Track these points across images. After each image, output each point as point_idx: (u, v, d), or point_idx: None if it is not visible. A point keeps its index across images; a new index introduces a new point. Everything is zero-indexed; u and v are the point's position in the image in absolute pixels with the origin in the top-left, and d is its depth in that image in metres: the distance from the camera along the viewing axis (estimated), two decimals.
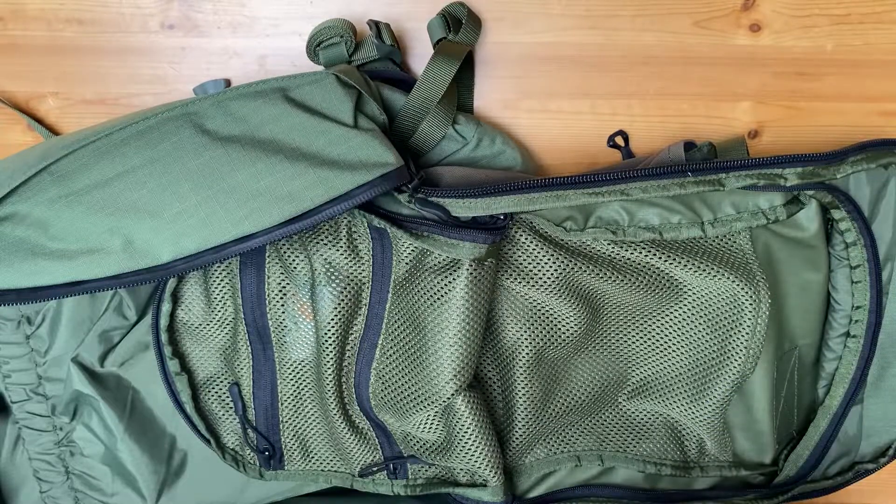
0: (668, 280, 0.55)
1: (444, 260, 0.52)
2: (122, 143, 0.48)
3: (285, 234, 0.48)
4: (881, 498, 0.69)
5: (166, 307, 0.56)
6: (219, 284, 0.57)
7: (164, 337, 0.57)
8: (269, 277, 0.56)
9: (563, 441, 0.61)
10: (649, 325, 0.58)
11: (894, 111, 0.61)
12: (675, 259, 0.54)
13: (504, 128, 0.61)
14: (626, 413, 0.61)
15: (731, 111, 0.61)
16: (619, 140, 0.61)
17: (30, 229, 0.47)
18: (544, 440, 0.61)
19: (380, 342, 0.55)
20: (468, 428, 0.55)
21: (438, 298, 0.52)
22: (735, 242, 0.55)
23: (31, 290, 0.48)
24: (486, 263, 0.51)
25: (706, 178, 0.50)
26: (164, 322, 0.57)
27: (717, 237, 0.55)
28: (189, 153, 0.47)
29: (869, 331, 0.56)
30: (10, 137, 0.62)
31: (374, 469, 0.60)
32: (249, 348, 0.58)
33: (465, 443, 0.55)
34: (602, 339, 0.59)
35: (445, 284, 0.51)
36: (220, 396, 0.61)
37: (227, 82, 0.60)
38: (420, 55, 0.60)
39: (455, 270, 0.51)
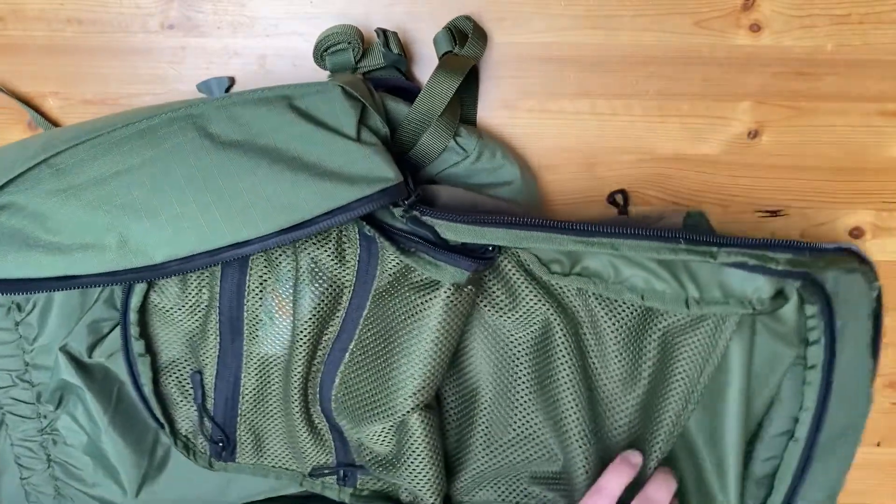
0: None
1: (425, 279, 0.52)
2: (124, 141, 0.48)
3: (280, 243, 0.48)
4: (881, 498, 0.69)
5: (140, 286, 0.55)
6: (198, 271, 0.55)
7: (132, 317, 0.56)
8: (251, 269, 0.55)
9: (516, 490, 0.59)
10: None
11: (894, 111, 0.61)
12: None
13: (504, 128, 0.61)
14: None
15: (731, 111, 0.61)
16: (619, 199, 0.61)
17: (26, 220, 0.47)
18: (495, 483, 0.59)
19: (350, 347, 0.55)
20: (417, 447, 0.54)
21: (413, 315, 0.52)
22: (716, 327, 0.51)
23: (21, 281, 0.47)
24: (465, 290, 0.51)
25: (698, 249, 0.47)
26: (136, 301, 0.55)
27: (699, 317, 0.52)
28: (190, 156, 0.47)
29: (811, 434, 0.51)
30: (11, 137, 0.62)
31: (326, 472, 0.60)
32: (218, 337, 0.57)
33: (412, 461, 0.55)
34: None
35: (422, 303, 0.51)
36: (179, 381, 0.59)
37: (231, 80, 0.60)
38: (421, 55, 0.60)
39: (433, 291, 0.51)
